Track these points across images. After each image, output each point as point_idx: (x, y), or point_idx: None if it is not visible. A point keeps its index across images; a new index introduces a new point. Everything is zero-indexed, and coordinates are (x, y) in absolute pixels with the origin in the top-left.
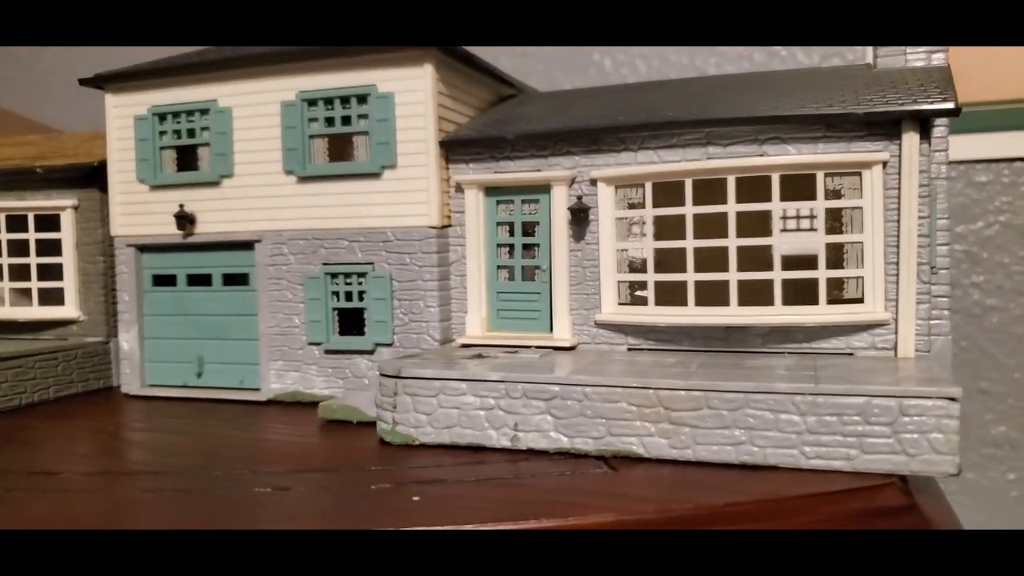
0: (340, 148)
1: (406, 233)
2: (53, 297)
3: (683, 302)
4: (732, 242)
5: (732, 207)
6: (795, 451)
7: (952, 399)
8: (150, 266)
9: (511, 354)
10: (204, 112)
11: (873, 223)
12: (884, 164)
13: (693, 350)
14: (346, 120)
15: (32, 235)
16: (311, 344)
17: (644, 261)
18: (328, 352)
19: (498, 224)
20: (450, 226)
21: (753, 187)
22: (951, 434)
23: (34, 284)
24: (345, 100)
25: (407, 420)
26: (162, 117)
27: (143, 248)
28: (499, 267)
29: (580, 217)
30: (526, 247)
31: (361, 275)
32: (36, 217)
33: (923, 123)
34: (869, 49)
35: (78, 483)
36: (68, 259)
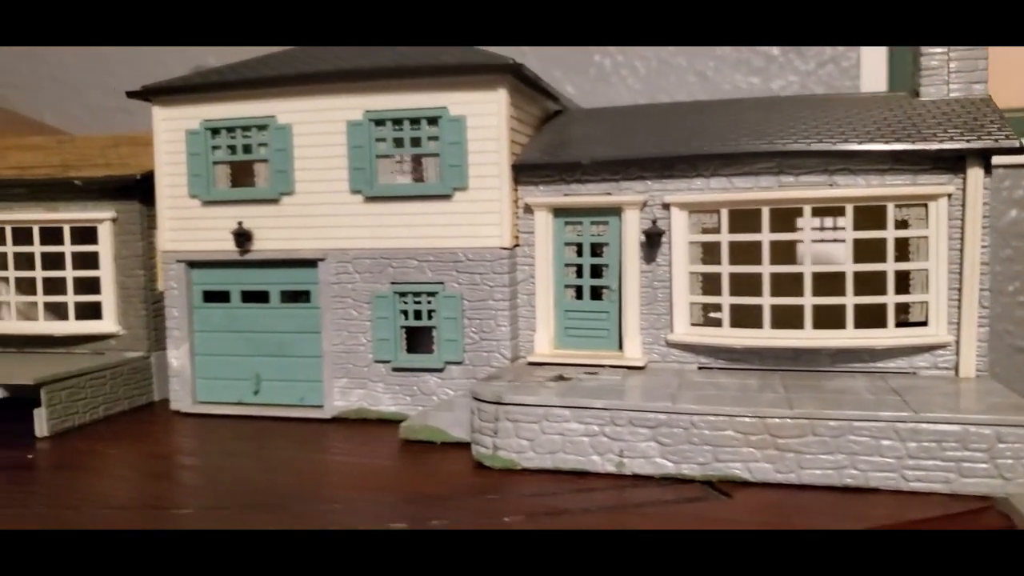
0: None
1: (478, 254)
2: (86, 311)
3: (758, 324)
4: (807, 268)
5: (808, 235)
6: (896, 474)
7: None
8: (200, 282)
9: (592, 375)
10: (262, 128)
11: (938, 251)
12: (949, 196)
13: (763, 369)
14: (415, 141)
15: (68, 248)
16: (378, 362)
17: (719, 284)
18: (396, 370)
19: (566, 244)
20: (518, 246)
21: (823, 216)
22: None
23: (70, 298)
24: (415, 121)
25: (509, 446)
26: (215, 131)
27: (193, 264)
28: (566, 286)
29: (654, 240)
30: (594, 267)
31: (431, 294)
32: (72, 230)
33: (986, 158)
34: (864, 60)
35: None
36: (106, 273)
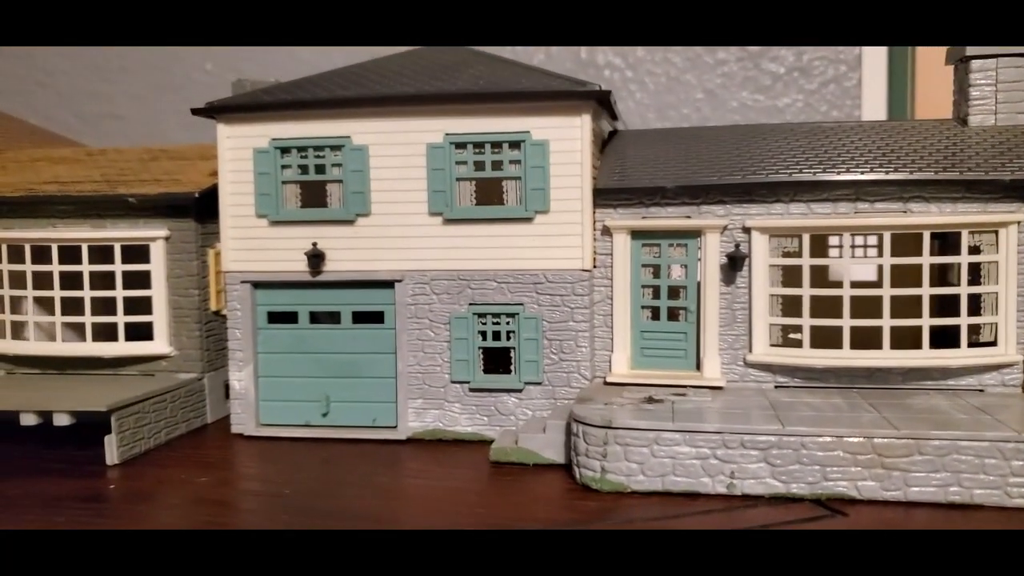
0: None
1: (558, 275)
2: (131, 331)
3: (838, 345)
4: (886, 291)
5: (887, 260)
6: (1000, 491)
7: None
8: (265, 303)
9: (680, 395)
10: (336, 148)
11: (1007, 275)
12: (1019, 223)
13: (838, 387)
14: (496, 165)
15: (119, 267)
16: (455, 382)
17: (798, 305)
18: (473, 390)
19: (642, 266)
20: (595, 267)
21: (899, 241)
22: None
23: (120, 319)
24: (496, 145)
25: (618, 469)
26: (285, 151)
27: (258, 284)
28: (642, 307)
29: (737, 263)
30: (670, 288)
31: (510, 315)
32: (123, 248)
33: None
34: (865, 81)
35: None
36: (158, 292)
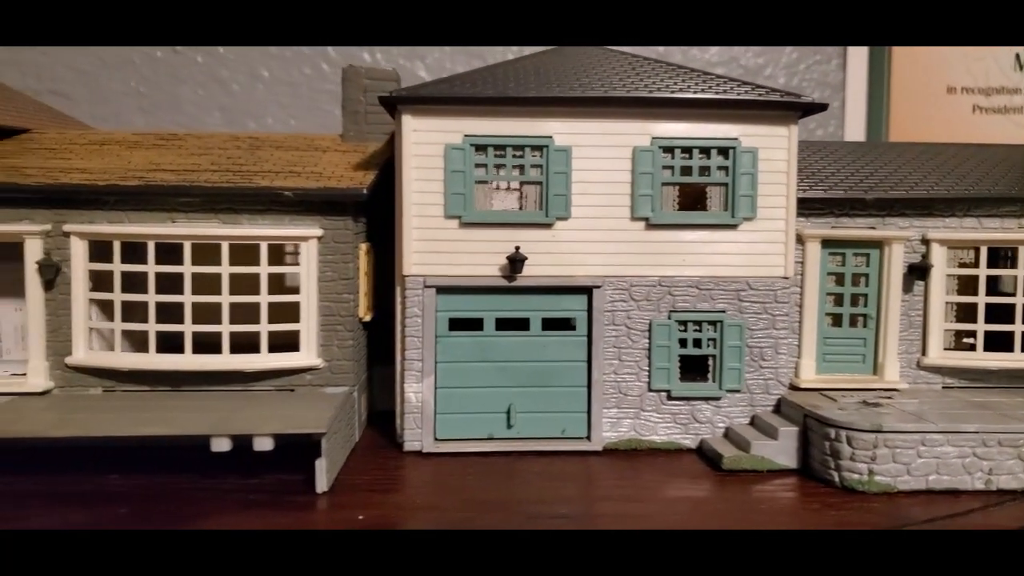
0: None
1: (762, 283)
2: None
3: (1008, 348)
4: None
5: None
6: None
7: None
8: (448, 308)
9: (887, 398)
10: (536, 148)
11: None
12: None
13: (996, 387)
14: (703, 170)
15: (264, 269)
16: (652, 391)
17: (975, 313)
18: (671, 398)
19: (828, 274)
20: None
21: None
22: None
23: (263, 327)
24: (703, 151)
25: (886, 471)
26: (480, 148)
27: (441, 289)
28: (826, 314)
29: (919, 273)
30: (852, 296)
31: (712, 323)
32: (270, 247)
33: None
34: (848, 104)
35: None
36: (308, 297)
